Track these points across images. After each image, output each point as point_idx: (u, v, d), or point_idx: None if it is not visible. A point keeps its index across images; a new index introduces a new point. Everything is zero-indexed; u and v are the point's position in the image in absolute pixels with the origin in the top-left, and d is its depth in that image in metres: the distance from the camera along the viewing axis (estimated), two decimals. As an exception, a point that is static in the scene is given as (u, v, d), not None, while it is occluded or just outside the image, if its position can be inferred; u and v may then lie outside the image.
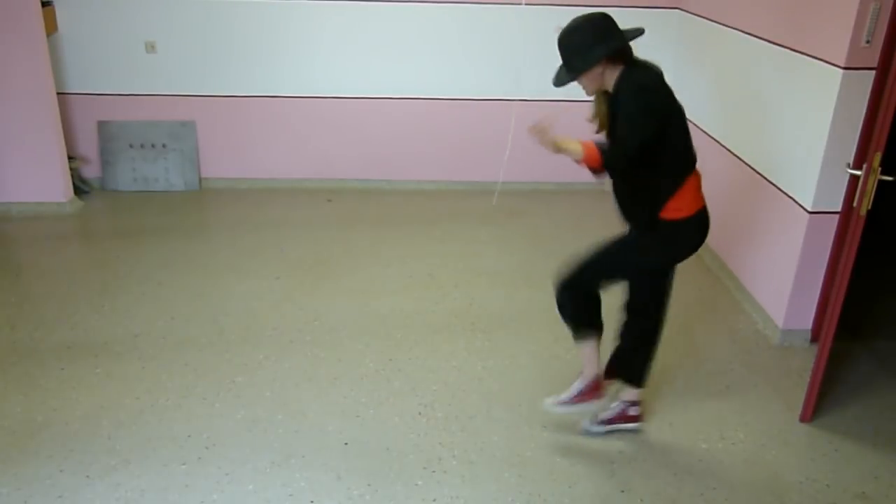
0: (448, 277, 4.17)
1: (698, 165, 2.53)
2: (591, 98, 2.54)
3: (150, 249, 4.41)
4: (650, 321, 2.77)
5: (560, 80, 2.47)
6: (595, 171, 2.38)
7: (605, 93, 2.47)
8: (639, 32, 2.38)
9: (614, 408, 2.90)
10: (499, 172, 5.49)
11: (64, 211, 4.89)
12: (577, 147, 2.33)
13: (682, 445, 2.87)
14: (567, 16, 2.55)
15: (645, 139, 2.31)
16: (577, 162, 2.35)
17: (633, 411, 2.89)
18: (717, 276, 4.24)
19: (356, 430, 2.90)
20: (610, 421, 2.90)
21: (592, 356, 2.75)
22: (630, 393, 2.88)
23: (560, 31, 2.44)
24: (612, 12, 2.45)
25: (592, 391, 2.79)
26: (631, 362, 2.85)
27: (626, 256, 2.64)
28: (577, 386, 2.80)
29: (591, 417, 2.90)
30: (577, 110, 5.24)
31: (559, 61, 2.49)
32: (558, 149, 2.34)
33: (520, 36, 5.09)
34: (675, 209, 2.48)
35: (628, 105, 2.34)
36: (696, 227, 2.55)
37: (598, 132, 2.56)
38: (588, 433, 2.89)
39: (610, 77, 2.41)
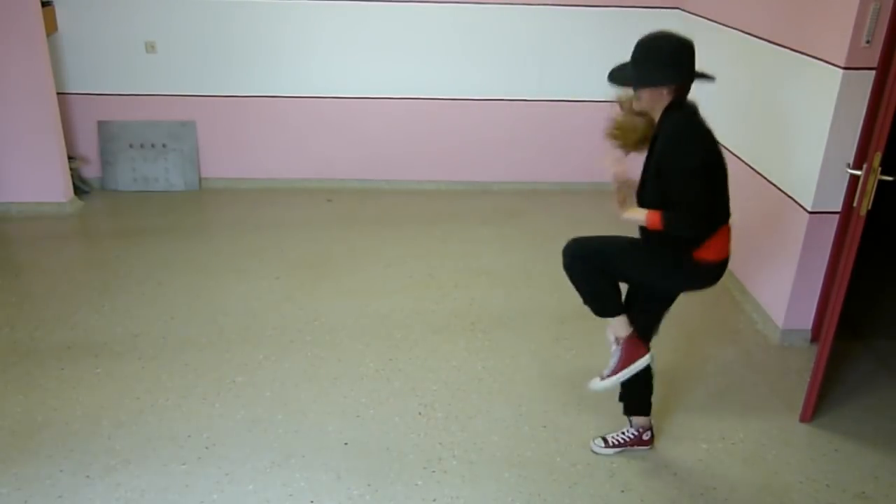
0: (448, 277, 4.17)
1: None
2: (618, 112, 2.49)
3: (150, 249, 4.41)
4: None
5: (619, 80, 2.37)
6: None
7: (643, 114, 2.41)
8: (710, 79, 2.34)
9: (627, 432, 2.83)
10: (496, 172, 5.50)
11: (64, 211, 4.89)
12: (642, 216, 2.37)
13: (682, 445, 2.87)
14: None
15: (702, 192, 2.28)
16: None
17: (647, 436, 2.83)
18: (717, 276, 4.23)
19: (356, 430, 2.90)
20: (622, 444, 2.82)
21: (620, 322, 2.60)
22: (641, 420, 2.81)
23: (647, 35, 2.33)
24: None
25: (633, 352, 2.62)
26: (635, 395, 2.79)
27: (643, 266, 2.55)
28: (615, 354, 2.63)
29: (601, 440, 2.83)
30: (577, 110, 5.27)
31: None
32: (626, 212, 2.42)
33: (521, 36, 5.10)
34: (708, 251, 2.43)
35: (677, 159, 2.28)
36: (715, 272, 2.50)
37: (619, 146, 2.52)
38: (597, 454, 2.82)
39: (661, 104, 2.34)
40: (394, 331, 3.61)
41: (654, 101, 2.34)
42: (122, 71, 5.10)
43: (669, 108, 2.33)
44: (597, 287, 2.55)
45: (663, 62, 2.28)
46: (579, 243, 2.55)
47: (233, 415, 2.97)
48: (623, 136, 2.54)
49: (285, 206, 5.15)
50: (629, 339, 2.60)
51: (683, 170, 2.28)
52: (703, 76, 2.33)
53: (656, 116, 2.38)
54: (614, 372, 2.62)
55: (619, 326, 2.59)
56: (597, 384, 2.65)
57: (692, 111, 2.34)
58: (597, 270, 2.53)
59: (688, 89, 2.35)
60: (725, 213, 2.47)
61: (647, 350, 2.62)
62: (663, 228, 2.34)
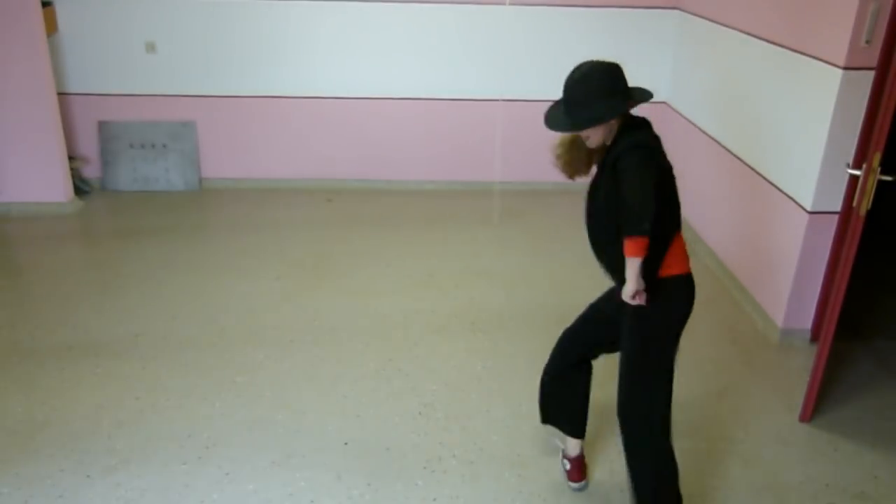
0: (448, 277, 4.17)
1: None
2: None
3: (150, 249, 4.41)
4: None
5: (559, 126, 2.20)
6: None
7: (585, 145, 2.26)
8: (648, 96, 2.19)
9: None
10: (496, 172, 5.50)
11: (64, 211, 4.89)
12: (632, 269, 2.11)
13: (683, 445, 2.87)
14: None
15: (650, 197, 2.07)
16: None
17: (565, 465, 2.69)
18: (716, 276, 4.24)
19: (356, 430, 2.90)
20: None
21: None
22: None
23: (569, 76, 2.19)
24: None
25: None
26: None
27: (644, 344, 2.36)
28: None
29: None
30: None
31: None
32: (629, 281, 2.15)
33: (521, 36, 5.10)
34: (671, 265, 2.27)
35: (629, 170, 2.08)
36: (689, 287, 2.34)
37: (567, 175, 2.37)
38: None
39: (609, 132, 2.19)
40: (394, 331, 3.61)
41: (606, 134, 2.19)
42: (122, 71, 5.10)
43: (624, 128, 2.19)
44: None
45: (605, 94, 2.13)
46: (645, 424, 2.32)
47: (233, 415, 2.97)
48: (569, 164, 2.35)
49: (285, 206, 5.15)
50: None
51: (641, 177, 2.08)
52: (641, 94, 2.19)
53: (608, 141, 2.21)
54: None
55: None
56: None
57: (648, 125, 2.21)
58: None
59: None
60: (678, 222, 2.31)
61: None
62: (628, 241, 2.08)
